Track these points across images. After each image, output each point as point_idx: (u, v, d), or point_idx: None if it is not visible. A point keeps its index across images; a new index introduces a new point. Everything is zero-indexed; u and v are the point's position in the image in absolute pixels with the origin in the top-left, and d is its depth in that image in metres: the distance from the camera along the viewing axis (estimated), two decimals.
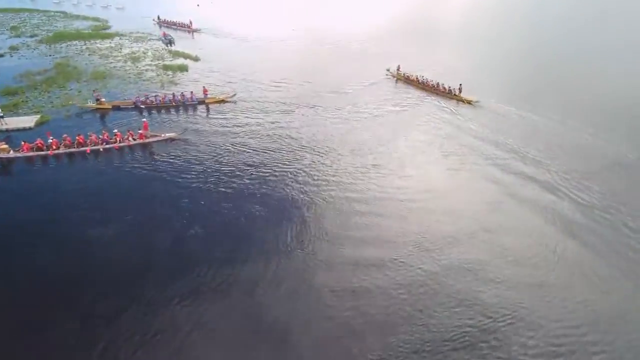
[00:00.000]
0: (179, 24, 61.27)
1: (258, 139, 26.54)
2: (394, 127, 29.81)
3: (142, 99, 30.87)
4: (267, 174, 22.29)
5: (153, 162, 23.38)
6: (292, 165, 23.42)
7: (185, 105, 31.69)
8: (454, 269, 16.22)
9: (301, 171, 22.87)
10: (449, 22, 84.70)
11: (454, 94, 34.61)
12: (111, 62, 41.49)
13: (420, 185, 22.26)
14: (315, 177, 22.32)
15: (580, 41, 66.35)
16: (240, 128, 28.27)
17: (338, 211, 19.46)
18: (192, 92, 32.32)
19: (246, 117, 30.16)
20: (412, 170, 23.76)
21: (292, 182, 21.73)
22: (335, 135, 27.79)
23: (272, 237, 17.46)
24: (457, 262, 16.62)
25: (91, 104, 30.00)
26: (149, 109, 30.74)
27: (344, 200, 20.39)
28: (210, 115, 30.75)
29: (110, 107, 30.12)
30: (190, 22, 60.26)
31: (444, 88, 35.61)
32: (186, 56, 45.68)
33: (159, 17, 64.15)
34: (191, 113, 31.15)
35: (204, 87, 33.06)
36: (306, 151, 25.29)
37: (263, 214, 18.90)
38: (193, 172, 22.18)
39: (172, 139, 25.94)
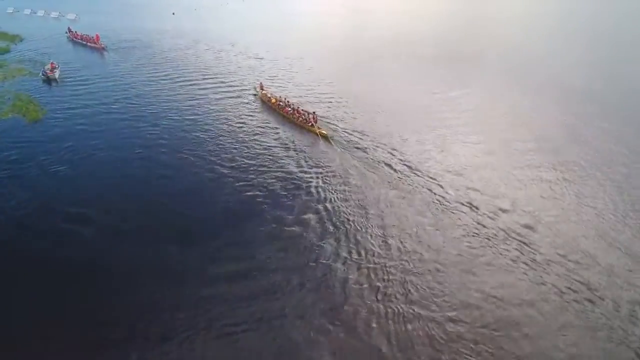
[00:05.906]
0: (85, 38, 51.16)
1: None
2: None
3: None
4: None
5: None
6: None
7: None
8: None
9: None
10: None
11: (310, 124, 27.72)
12: None
13: None
14: None
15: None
16: None
17: None
18: None
19: None
20: None
21: None
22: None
23: None
24: None
25: None
26: None
27: None
28: None
29: None
30: (97, 37, 49.89)
31: (301, 115, 28.67)
32: (30, 112, 26.83)
33: (69, 30, 54.74)
34: None
35: None
36: None
37: None
38: None
39: None
